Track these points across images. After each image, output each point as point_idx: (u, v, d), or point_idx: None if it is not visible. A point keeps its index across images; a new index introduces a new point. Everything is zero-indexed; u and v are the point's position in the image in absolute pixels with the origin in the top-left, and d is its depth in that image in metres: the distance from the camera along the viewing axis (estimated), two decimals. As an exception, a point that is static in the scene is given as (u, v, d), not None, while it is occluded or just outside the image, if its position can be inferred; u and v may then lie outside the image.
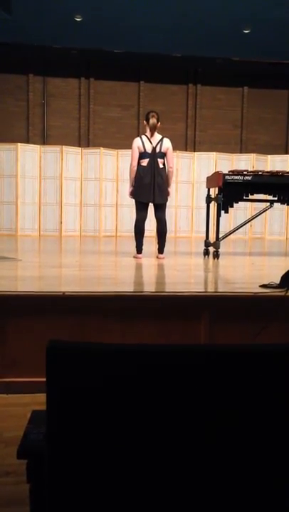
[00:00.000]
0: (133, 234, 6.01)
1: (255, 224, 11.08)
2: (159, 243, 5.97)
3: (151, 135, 5.79)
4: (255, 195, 6.32)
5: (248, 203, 9.87)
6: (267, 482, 0.97)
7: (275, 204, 6.71)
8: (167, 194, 5.90)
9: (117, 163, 11.09)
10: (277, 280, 3.54)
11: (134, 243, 5.99)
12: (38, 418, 1.19)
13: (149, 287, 3.83)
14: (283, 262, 6.06)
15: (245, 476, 0.96)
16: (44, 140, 12.80)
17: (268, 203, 6.81)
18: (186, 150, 12.70)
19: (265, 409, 0.95)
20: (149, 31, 10.62)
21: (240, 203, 6.25)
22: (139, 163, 5.76)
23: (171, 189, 6.07)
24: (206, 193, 6.63)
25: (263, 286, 3.55)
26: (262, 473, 0.96)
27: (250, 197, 6.27)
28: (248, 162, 11.34)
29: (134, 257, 5.89)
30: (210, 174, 6.85)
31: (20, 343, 3.03)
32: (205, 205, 6.67)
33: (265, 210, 7.06)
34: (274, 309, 3.10)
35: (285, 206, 8.40)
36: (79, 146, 12.29)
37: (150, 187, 5.72)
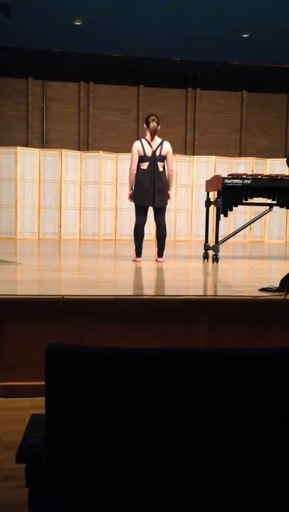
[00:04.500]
0: (132, 237, 6.01)
1: (254, 227, 11.10)
2: (158, 247, 5.96)
3: (152, 139, 5.78)
4: (254, 198, 6.33)
5: (248, 207, 9.90)
6: (267, 486, 0.96)
7: (274, 208, 6.72)
8: (167, 198, 5.88)
9: (116, 167, 11.12)
10: (276, 284, 3.54)
11: (133, 247, 5.98)
12: (37, 422, 1.19)
13: (149, 291, 3.83)
14: (283, 266, 6.07)
15: (246, 480, 0.95)
16: (43, 144, 12.82)
17: (267, 207, 6.82)
18: (185, 154, 12.72)
19: (265, 413, 0.94)
20: (148, 35, 10.66)
21: (239, 206, 6.25)
22: (139, 166, 5.75)
23: (171, 193, 6.07)
24: (206, 196, 6.63)
25: (263, 289, 3.55)
26: (263, 476, 0.96)
27: (250, 200, 6.28)
28: (247, 166, 11.37)
29: (134, 260, 5.89)
30: (209, 178, 6.86)
31: (20, 346, 3.02)
32: (204, 208, 6.67)
33: (264, 214, 7.07)
34: (273, 313, 3.10)
35: (284, 210, 8.43)
36: (78, 149, 12.31)
37: (150, 191, 5.71)
